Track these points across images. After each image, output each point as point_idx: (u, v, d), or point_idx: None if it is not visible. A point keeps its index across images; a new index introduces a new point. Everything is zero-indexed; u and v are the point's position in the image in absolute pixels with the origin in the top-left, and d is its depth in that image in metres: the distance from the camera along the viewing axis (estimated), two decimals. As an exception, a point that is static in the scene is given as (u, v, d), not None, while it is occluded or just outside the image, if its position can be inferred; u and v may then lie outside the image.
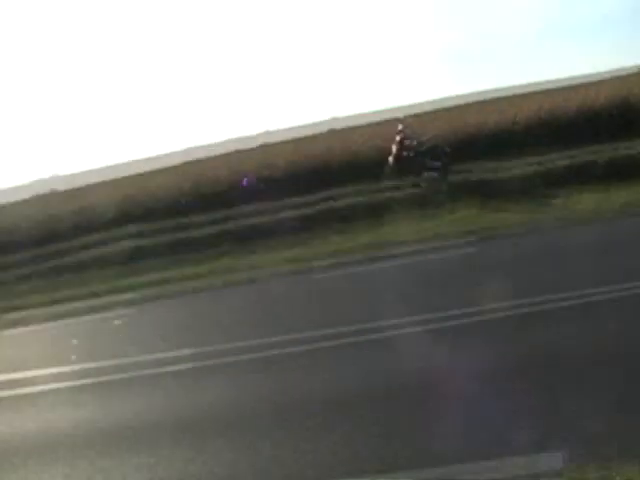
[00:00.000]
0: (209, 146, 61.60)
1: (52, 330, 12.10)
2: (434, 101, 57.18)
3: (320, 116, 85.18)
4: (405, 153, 16.70)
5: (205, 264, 14.63)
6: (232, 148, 31.28)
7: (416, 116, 22.59)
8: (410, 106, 54.00)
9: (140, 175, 27.71)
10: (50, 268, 16.79)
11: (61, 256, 17.42)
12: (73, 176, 58.15)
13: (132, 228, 17.82)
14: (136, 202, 19.70)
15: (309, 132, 31.73)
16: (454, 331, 7.34)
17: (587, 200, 13.40)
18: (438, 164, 16.42)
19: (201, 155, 30.17)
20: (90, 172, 58.40)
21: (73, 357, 9.27)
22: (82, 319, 12.22)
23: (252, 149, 28.20)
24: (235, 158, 25.07)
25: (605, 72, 47.15)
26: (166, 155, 60.20)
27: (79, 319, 12.28)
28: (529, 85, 43.38)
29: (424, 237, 12.89)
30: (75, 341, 10.44)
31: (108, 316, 11.82)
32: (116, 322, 11.41)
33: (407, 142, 16.80)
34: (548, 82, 46.39)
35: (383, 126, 22.89)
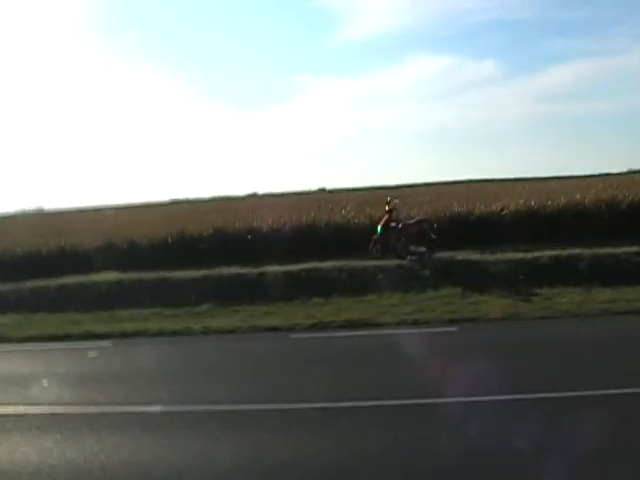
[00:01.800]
0: (196, 200, 62.24)
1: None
2: (424, 184, 58.51)
3: (310, 184, 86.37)
4: (392, 230, 17.41)
5: (183, 314, 15.25)
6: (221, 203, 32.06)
7: (405, 197, 23.42)
8: (401, 186, 55.26)
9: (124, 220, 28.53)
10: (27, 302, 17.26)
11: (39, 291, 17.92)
12: (58, 212, 58.34)
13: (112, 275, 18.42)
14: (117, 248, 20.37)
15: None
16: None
17: (569, 297, 13.96)
18: (423, 249, 17.10)
19: (187, 208, 30.96)
20: (75, 210, 58.87)
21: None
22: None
23: (240, 202, 28.87)
24: (222, 212, 26.05)
25: (594, 174, 49.20)
26: (153, 204, 60.85)
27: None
28: (518, 177, 44.81)
29: (405, 315, 13.61)
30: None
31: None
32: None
33: (394, 223, 17.51)
34: (537, 177, 48.11)
35: (372, 203, 23.73)
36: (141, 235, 20.95)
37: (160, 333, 13.98)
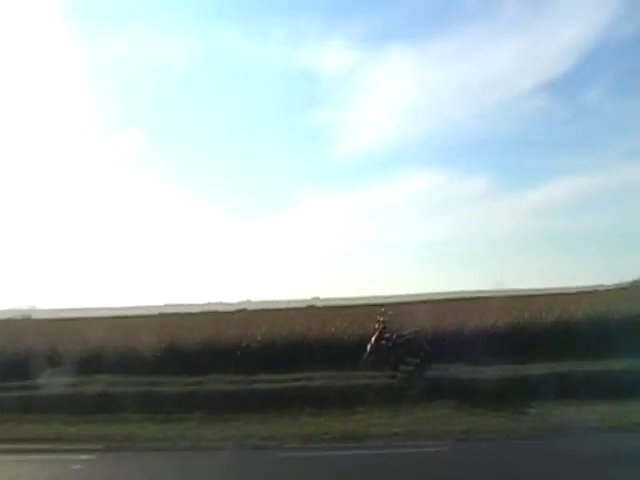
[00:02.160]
0: (188, 305, 62.39)
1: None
2: (418, 295, 58.89)
3: (305, 294, 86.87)
4: (384, 344, 17.57)
5: (172, 425, 15.19)
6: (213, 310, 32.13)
7: (398, 310, 23.66)
8: (393, 297, 55.62)
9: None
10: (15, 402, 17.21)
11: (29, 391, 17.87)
12: (51, 311, 58.17)
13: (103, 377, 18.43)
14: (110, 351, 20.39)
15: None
16: None
17: (561, 413, 14.13)
18: (416, 360, 17.24)
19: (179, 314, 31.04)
20: (67, 310, 58.74)
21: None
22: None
23: (231, 314, 29.00)
24: (214, 321, 26.22)
25: (587, 286, 49.78)
26: (145, 307, 60.83)
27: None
28: (511, 291, 45.20)
29: (395, 432, 13.60)
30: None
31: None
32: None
33: (387, 334, 17.70)
34: (530, 289, 48.63)
35: (365, 314, 23.99)
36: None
37: (152, 439, 14.02)
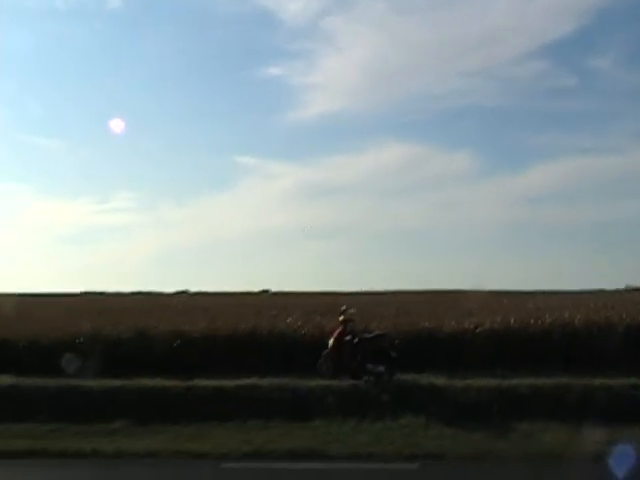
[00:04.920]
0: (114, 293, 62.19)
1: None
2: (386, 292, 58.74)
3: (252, 285, 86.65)
4: (345, 347, 17.36)
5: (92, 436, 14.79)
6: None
7: (362, 307, 23.50)
8: (357, 293, 55.46)
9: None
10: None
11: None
12: None
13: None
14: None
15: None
16: None
17: (553, 435, 13.93)
18: (382, 369, 17.05)
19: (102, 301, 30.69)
20: None
21: None
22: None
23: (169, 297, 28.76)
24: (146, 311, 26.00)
25: (585, 289, 50.31)
26: (59, 294, 60.40)
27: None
28: (497, 289, 45.37)
29: (357, 448, 13.41)
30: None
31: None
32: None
33: (348, 336, 17.49)
34: (519, 290, 48.89)
35: (322, 311, 23.81)
36: (42, 332, 20.53)
37: (61, 454, 13.53)
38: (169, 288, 74.83)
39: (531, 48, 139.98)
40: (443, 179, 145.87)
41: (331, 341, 17.69)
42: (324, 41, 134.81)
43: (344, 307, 18.65)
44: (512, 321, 19.83)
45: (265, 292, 70.53)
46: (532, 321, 19.73)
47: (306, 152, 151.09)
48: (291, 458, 13.02)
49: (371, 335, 17.83)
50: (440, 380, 17.08)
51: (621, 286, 61.81)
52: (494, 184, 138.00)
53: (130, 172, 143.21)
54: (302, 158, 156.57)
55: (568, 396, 15.60)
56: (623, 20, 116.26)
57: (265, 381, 16.99)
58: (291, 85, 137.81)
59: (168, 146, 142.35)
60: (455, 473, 12.28)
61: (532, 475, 12.02)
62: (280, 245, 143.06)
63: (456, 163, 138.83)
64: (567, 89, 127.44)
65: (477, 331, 19.47)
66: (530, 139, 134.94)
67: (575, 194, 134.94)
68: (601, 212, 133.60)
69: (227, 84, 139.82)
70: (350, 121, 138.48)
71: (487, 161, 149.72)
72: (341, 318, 17.95)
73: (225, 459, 12.98)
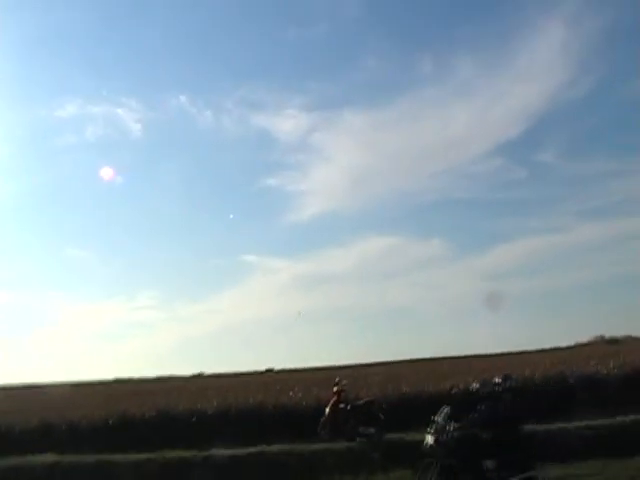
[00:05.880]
0: (140, 379, 61.25)
1: None
2: (374, 364, 58.62)
3: (258, 365, 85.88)
4: (340, 414, 17.35)
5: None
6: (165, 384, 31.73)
7: (354, 378, 23.56)
8: (349, 366, 55.29)
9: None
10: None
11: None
12: None
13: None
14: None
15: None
16: None
17: None
18: (372, 430, 17.00)
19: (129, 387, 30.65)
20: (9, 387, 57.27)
21: None
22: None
23: (185, 383, 28.68)
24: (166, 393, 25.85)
25: (544, 348, 50.33)
26: (94, 382, 59.53)
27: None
28: (468, 354, 45.46)
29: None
30: None
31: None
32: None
33: (342, 404, 17.52)
34: (487, 354, 48.87)
35: (319, 384, 23.79)
36: (81, 416, 20.50)
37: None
38: (186, 372, 74.19)
39: (489, 148, 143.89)
40: (420, 263, 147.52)
41: (327, 409, 17.68)
42: (313, 153, 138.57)
43: (337, 379, 18.65)
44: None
45: (270, 371, 69.91)
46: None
47: (301, 248, 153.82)
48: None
49: (361, 402, 17.78)
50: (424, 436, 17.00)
51: (572, 343, 61.75)
52: (463, 264, 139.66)
53: (152, 274, 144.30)
54: (297, 254, 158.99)
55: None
56: (562, 120, 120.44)
57: (273, 447, 16.92)
58: (287, 192, 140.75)
59: (185, 250, 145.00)
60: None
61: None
62: (281, 329, 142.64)
63: (430, 249, 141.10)
64: (518, 180, 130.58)
65: (453, 392, 19.49)
66: (490, 224, 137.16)
67: (530, 267, 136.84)
68: (551, 281, 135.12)
69: (234, 195, 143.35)
70: (338, 220, 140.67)
71: (456, 245, 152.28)
72: (335, 389, 17.97)
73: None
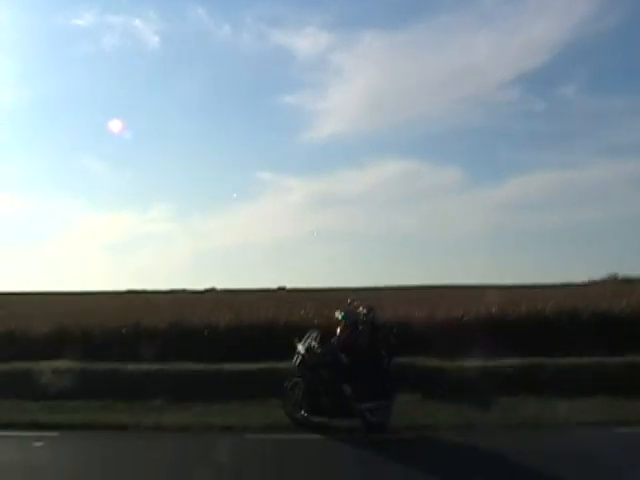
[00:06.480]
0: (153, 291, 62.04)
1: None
2: (384, 288, 58.78)
3: (271, 283, 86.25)
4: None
5: (134, 411, 14.89)
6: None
7: (366, 301, 23.47)
8: (361, 289, 55.43)
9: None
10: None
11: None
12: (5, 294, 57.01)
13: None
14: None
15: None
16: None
17: (527, 407, 14.14)
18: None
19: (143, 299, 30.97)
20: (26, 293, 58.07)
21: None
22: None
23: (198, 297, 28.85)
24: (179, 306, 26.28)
25: (556, 283, 50.22)
26: (108, 292, 60.35)
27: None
28: (480, 284, 45.35)
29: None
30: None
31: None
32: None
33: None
34: (499, 284, 48.77)
35: (331, 305, 23.80)
36: (95, 324, 20.75)
37: (109, 427, 13.71)
38: (200, 286, 74.75)
39: (509, 78, 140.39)
40: (435, 191, 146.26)
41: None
42: (332, 73, 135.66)
43: (349, 301, 18.46)
44: (493, 310, 19.90)
45: (282, 289, 70.09)
46: (511, 310, 19.79)
47: (316, 168, 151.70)
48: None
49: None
50: (433, 362, 17.05)
51: (585, 279, 61.47)
52: (477, 195, 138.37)
53: (166, 187, 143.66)
54: (313, 174, 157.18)
55: (542, 374, 15.78)
56: (586, 54, 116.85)
57: (282, 364, 16.99)
58: (304, 110, 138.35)
59: (200, 164, 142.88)
60: (448, 443, 12.30)
61: (512, 441, 12.11)
62: (294, 248, 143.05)
63: (446, 177, 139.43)
64: (537, 112, 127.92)
65: (464, 319, 19.50)
66: (506, 155, 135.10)
67: (544, 202, 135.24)
68: (565, 217, 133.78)
69: (251, 111, 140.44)
70: (355, 141, 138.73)
71: (472, 175, 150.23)
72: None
73: (248, 431, 13.15)
